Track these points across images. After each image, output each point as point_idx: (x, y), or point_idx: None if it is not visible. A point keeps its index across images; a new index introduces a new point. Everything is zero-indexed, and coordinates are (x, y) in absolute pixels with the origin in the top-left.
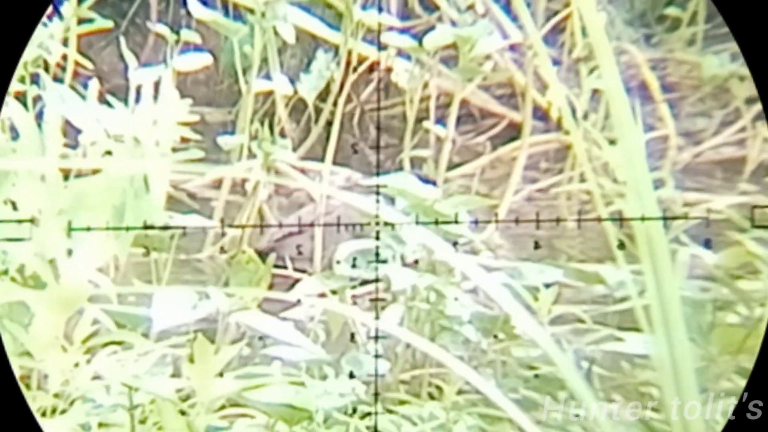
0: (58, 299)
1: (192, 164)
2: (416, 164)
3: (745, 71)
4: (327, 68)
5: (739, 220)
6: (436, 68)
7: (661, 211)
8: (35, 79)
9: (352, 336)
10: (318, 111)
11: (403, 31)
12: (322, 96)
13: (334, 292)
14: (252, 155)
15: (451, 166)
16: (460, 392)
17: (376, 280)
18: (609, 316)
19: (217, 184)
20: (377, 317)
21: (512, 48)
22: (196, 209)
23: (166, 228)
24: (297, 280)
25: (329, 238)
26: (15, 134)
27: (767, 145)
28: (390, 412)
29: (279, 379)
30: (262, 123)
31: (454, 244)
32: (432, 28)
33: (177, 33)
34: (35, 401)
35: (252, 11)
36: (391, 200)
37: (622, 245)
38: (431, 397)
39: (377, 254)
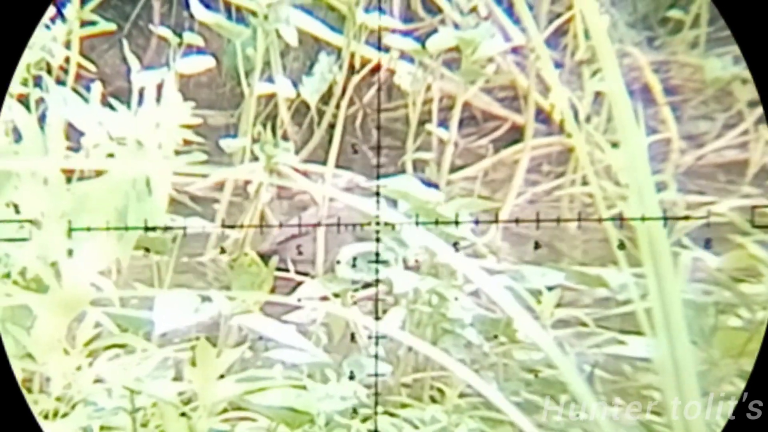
0: (61, 302)
1: (195, 167)
2: (419, 167)
3: (748, 74)
4: (329, 71)
5: (741, 223)
6: (438, 71)
7: (663, 214)
8: (38, 82)
9: (352, 336)
10: (320, 114)
11: (405, 33)
12: (325, 99)
13: (336, 295)
14: (254, 158)
15: (454, 169)
16: (461, 395)
17: (376, 282)
18: (611, 319)
19: (220, 187)
20: (377, 319)
21: (515, 51)
22: (199, 212)
23: (167, 229)
24: (299, 283)
25: (331, 241)
26: (18, 137)
27: None
28: (392, 415)
29: (281, 383)
30: (264, 126)
31: (454, 245)
32: (435, 30)
33: (180, 36)
34: (37, 404)
35: (255, 14)
36: (394, 203)
37: (622, 245)
38: (433, 400)
39: (377, 256)
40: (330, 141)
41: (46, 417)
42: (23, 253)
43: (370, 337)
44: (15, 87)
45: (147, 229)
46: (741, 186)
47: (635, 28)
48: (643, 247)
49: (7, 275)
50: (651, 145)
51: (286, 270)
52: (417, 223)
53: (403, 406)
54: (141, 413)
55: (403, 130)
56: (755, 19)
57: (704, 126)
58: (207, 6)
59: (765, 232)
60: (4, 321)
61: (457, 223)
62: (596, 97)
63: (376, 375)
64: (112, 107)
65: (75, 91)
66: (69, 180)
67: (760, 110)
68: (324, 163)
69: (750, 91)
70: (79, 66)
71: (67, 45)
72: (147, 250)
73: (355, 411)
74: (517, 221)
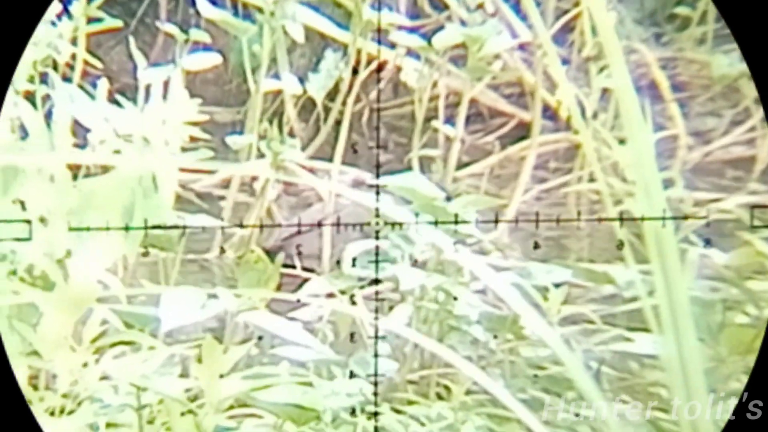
0: (67, 299)
1: (201, 163)
2: (425, 164)
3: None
4: (336, 67)
5: (748, 220)
6: (445, 67)
7: (671, 211)
8: (44, 79)
9: (352, 336)
10: (327, 110)
11: (412, 30)
12: (331, 95)
13: (342, 292)
14: (261, 155)
15: (460, 166)
16: (468, 392)
17: (376, 281)
18: (618, 317)
19: (226, 184)
20: (376, 318)
21: (521, 47)
22: (205, 209)
23: (171, 227)
24: (305, 280)
25: (338, 237)
26: (24, 134)
27: None
28: (398, 412)
29: (287, 380)
30: (271, 122)
31: (455, 243)
32: (441, 27)
33: (186, 32)
34: (43, 401)
35: (261, 10)
36: (400, 200)
37: (621, 245)
38: (439, 397)
39: (377, 254)
40: (336, 138)
41: (52, 414)
42: (29, 250)
43: (369, 337)
44: (21, 84)
45: (146, 228)
46: (748, 182)
47: (642, 25)
48: (650, 244)
49: (14, 272)
50: (658, 142)
51: (293, 266)
52: (417, 222)
53: (410, 403)
54: (147, 410)
55: (409, 127)
56: (755, 19)
57: (711, 123)
58: (213, 3)
59: (753, 233)
60: (10, 318)
61: (458, 221)
62: (603, 94)
63: (376, 375)
64: (118, 104)
65: (81, 87)
66: (75, 177)
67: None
68: (330, 159)
69: None
70: (86, 63)
71: (74, 42)
72: (152, 246)
73: (354, 410)
74: (516, 222)
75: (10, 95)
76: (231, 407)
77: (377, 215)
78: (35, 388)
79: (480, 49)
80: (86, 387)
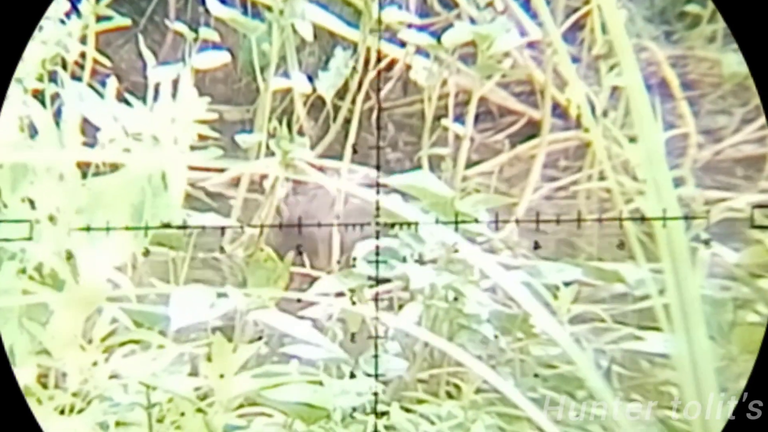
0: (77, 298)
1: (211, 162)
2: (434, 162)
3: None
4: (345, 66)
5: (760, 218)
6: (454, 66)
7: (682, 210)
8: (53, 77)
9: (353, 336)
10: (336, 109)
11: (421, 28)
12: (341, 94)
13: (352, 291)
14: (270, 153)
15: (470, 164)
16: (478, 391)
17: (376, 279)
18: (629, 315)
19: (235, 183)
20: (376, 318)
21: (531, 45)
22: (214, 208)
23: (181, 227)
24: (315, 279)
25: (348, 236)
26: (33, 132)
27: None
28: (408, 410)
29: (297, 378)
30: (280, 121)
31: (454, 245)
32: (451, 25)
33: (195, 31)
34: (53, 400)
35: (270, 9)
36: (410, 198)
37: (621, 245)
38: (449, 396)
39: (377, 253)
40: (346, 136)
41: (62, 412)
42: (39, 248)
43: (371, 337)
44: (30, 82)
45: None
46: (759, 181)
47: (653, 23)
48: (661, 242)
49: (23, 271)
50: (668, 140)
51: (302, 265)
52: (418, 223)
53: (420, 401)
54: (157, 409)
55: (419, 125)
56: (755, 19)
57: (722, 121)
58: (222, 1)
59: (763, 232)
60: (20, 316)
61: (458, 221)
62: (613, 92)
63: (376, 376)
64: (127, 102)
65: (90, 86)
66: (84, 175)
67: None
68: (340, 158)
69: None
70: (95, 61)
71: (83, 40)
72: (156, 250)
73: (354, 410)
74: (517, 221)
75: (18, 94)
76: (241, 406)
77: (377, 214)
78: (45, 386)
79: (489, 47)
80: (96, 385)
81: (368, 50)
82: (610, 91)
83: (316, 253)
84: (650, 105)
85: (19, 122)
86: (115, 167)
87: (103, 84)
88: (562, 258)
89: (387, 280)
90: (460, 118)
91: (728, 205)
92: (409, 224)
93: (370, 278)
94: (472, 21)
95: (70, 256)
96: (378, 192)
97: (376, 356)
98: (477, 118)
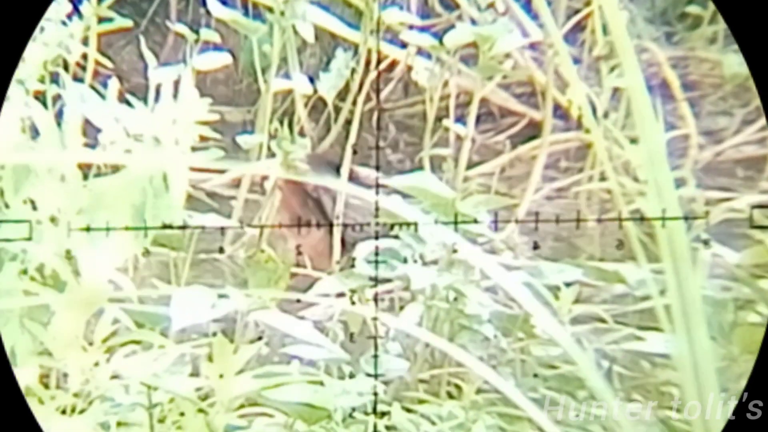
0: (79, 299)
1: (212, 163)
2: (436, 163)
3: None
4: (346, 67)
5: (760, 218)
6: (455, 67)
7: (683, 210)
8: (55, 79)
9: (352, 336)
10: (337, 110)
11: (423, 29)
12: (342, 95)
13: (353, 292)
14: (271, 154)
15: (471, 165)
16: (479, 391)
17: (376, 280)
18: (629, 316)
19: (236, 183)
20: (375, 319)
21: (532, 46)
22: (215, 208)
23: (182, 227)
24: (316, 279)
25: (349, 237)
26: (35, 133)
27: None
28: (409, 411)
29: (298, 378)
30: (281, 122)
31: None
32: (452, 26)
33: (196, 32)
34: (54, 400)
35: (271, 10)
36: (411, 199)
37: (621, 245)
38: (450, 396)
39: (377, 253)
40: (347, 137)
41: (63, 413)
42: (40, 249)
43: (370, 337)
44: (32, 84)
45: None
46: (760, 182)
47: (654, 24)
48: (662, 243)
49: (24, 271)
50: (669, 141)
51: (303, 266)
52: (418, 223)
53: (421, 402)
54: (158, 409)
55: (420, 126)
56: (756, 20)
57: (723, 122)
58: (223, 2)
59: (764, 232)
60: (21, 317)
61: (459, 222)
62: (614, 93)
63: (377, 376)
64: (129, 104)
65: (92, 87)
66: (86, 177)
67: None
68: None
69: None
70: (96, 63)
71: (84, 42)
72: (157, 251)
73: (355, 410)
74: (518, 221)
75: (20, 95)
76: (242, 406)
77: (377, 215)
78: (46, 386)
79: (491, 48)
80: (97, 386)
81: (369, 51)
82: (611, 93)
83: (319, 253)
84: (651, 106)
85: (20, 123)
86: (116, 168)
87: (105, 85)
88: (563, 258)
89: (387, 281)
90: (461, 119)
91: (729, 206)
92: (408, 224)
93: (370, 279)
94: (473, 22)
95: (71, 256)
96: (378, 192)
97: (376, 356)
98: (478, 119)
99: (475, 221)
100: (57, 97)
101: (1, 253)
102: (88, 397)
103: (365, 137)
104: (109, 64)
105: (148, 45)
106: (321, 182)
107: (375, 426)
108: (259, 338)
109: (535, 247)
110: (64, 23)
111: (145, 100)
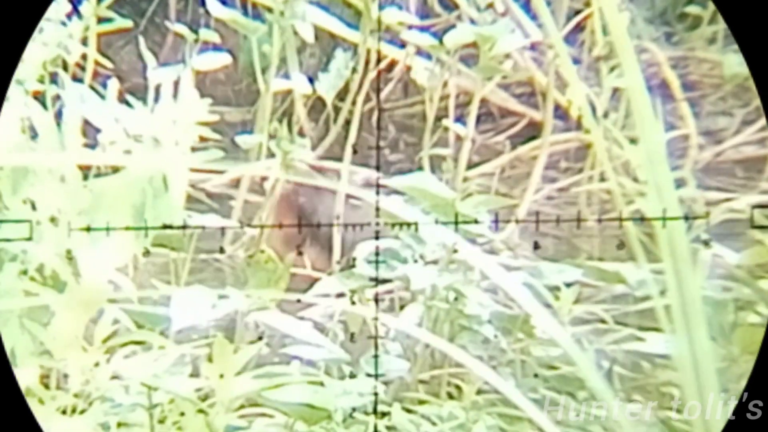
0: (79, 299)
1: (211, 163)
2: (435, 163)
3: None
4: (346, 67)
5: (760, 219)
6: (455, 67)
7: (683, 211)
8: (54, 79)
9: (352, 336)
10: (337, 110)
11: (422, 29)
12: (341, 95)
13: (353, 292)
14: (271, 154)
15: (471, 165)
16: (479, 392)
17: (376, 280)
18: (630, 316)
19: (236, 184)
20: (375, 319)
21: (532, 47)
22: (215, 209)
23: (181, 227)
24: (316, 280)
25: (349, 237)
26: (34, 134)
27: None
28: (409, 411)
29: (298, 379)
30: (280, 122)
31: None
32: (451, 26)
33: (196, 32)
34: (55, 400)
35: (271, 10)
36: (411, 199)
37: (621, 245)
38: (450, 396)
39: (377, 253)
40: (346, 137)
41: (64, 413)
42: (40, 250)
43: (370, 338)
44: (31, 84)
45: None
46: (760, 182)
47: (653, 24)
48: (662, 243)
49: (24, 272)
50: (669, 141)
51: (303, 266)
52: (418, 223)
53: (421, 402)
54: (158, 409)
55: (420, 126)
56: (756, 20)
57: (723, 122)
58: (223, 2)
59: (764, 233)
60: (21, 317)
61: (459, 222)
62: (614, 93)
63: (376, 376)
64: (128, 104)
65: (91, 88)
66: (86, 177)
67: None
68: (340, 159)
69: None
70: (96, 63)
71: (84, 42)
72: (156, 251)
73: (355, 410)
74: (518, 221)
75: (19, 95)
76: (242, 406)
77: (377, 215)
78: (47, 387)
79: (491, 49)
80: (98, 386)
81: (368, 51)
82: (611, 93)
83: (319, 254)
84: (651, 106)
85: (20, 124)
86: (116, 169)
87: (104, 85)
88: (563, 259)
89: (388, 281)
90: (461, 120)
91: (729, 206)
92: (408, 225)
93: (370, 279)
94: (473, 22)
95: (71, 257)
96: (378, 193)
97: (376, 357)
98: (478, 119)
99: (476, 221)
100: (56, 98)
101: (1, 254)
102: (88, 397)
103: (365, 137)
104: (109, 65)
105: (147, 45)
106: (321, 183)
107: (375, 426)
108: (260, 339)
109: (536, 247)
110: (63, 23)
111: (144, 100)
